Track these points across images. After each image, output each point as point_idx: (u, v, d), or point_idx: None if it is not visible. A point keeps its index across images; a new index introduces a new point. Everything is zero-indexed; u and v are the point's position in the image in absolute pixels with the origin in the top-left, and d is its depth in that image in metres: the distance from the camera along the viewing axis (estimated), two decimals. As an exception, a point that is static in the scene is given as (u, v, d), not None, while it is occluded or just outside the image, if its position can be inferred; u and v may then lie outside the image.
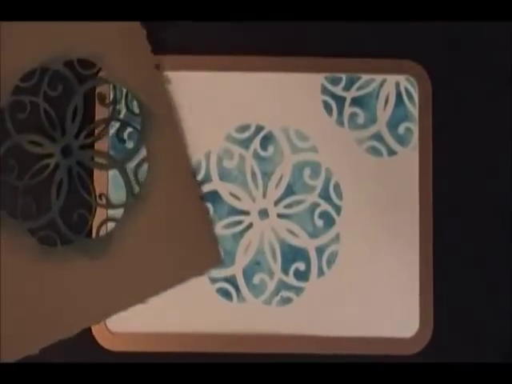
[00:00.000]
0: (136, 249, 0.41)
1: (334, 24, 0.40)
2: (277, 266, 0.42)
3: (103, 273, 0.40)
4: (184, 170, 0.41)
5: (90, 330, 0.41)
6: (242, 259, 0.42)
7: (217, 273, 0.42)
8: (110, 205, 0.41)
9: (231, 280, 0.42)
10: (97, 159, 0.41)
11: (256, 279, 0.42)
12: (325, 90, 0.42)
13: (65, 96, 0.41)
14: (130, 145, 0.41)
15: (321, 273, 0.42)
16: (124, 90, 0.41)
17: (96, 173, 0.41)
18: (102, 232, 0.41)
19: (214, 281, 0.42)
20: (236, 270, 0.42)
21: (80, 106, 0.41)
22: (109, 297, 0.40)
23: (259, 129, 0.42)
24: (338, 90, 0.42)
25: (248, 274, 0.42)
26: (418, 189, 0.42)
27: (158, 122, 0.41)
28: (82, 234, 0.41)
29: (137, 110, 0.41)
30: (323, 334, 0.41)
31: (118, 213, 0.41)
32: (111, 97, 0.41)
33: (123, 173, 0.41)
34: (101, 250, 0.40)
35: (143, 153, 0.41)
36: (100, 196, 0.41)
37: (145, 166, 0.41)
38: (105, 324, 0.41)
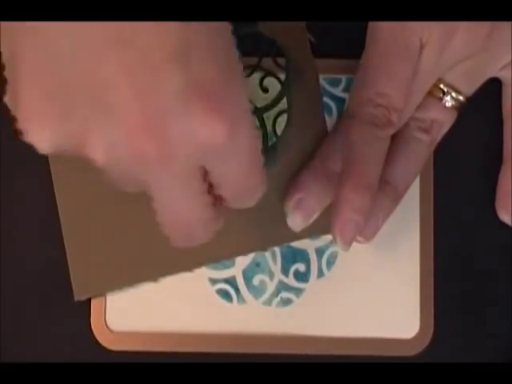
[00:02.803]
0: (265, 198, 0.41)
1: (333, 24, 0.40)
2: (277, 267, 0.42)
3: (228, 216, 0.41)
4: (320, 127, 0.41)
5: (89, 328, 0.41)
6: (242, 260, 0.42)
7: (216, 274, 0.42)
8: None
9: (231, 281, 0.42)
10: None
11: (256, 280, 0.42)
12: (324, 91, 0.42)
13: None
14: (271, 95, 0.41)
15: (321, 274, 0.42)
16: (275, 45, 0.41)
17: None
18: None
19: (213, 282, 0.42)
20: (236, 271, 0.42)
21: None
22: (228, 240, 0.41)
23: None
24: (337, 91, 0.42)
25: (248, 275, 0.42)
26: (418, 189, 0.42)
27: (302, 78, 0.41)
28: None
29: (283, 64, 0.41)
30: (323, 335, 0.41)
31: None
32: (262, 48, 0.41)
33: (261, 121, 0.41)
34: None
35: (283, 105, 0.41)
36: None
37: (283, 118, 0.41)
38: (105, 323, 0.41)
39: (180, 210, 0.30)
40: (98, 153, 0.28)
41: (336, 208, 0.37)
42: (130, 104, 0.27)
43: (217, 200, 0.31)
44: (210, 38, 0.28)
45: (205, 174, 0.30)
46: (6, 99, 0.29)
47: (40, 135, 0.28)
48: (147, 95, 0.27)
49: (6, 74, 0.29)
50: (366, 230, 0.39)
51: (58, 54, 0.27)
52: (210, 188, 0.30)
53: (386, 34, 0.38)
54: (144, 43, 0.27)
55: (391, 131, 0.38)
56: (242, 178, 0.31)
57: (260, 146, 0.30)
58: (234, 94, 0.28)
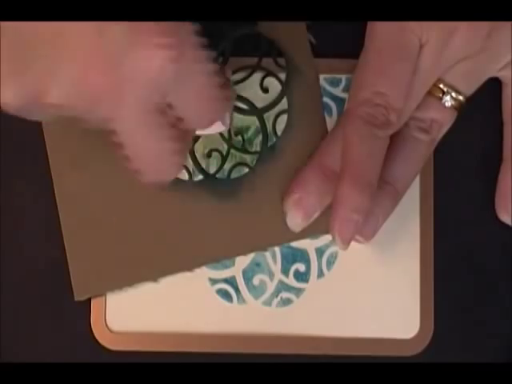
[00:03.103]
0: (264, 198, 0.41)
1: (333, 24, 0.40)
2: (277, 267, 0.42)
3: (228, 215, 0.41)
4: (320, 127, 0.41)
5: (89, 328, 0.41)
6: (242, 260, 0.42)
7: (216, 274, 0.42)
8: (244, 150, 0.41)
9: (231, 281, 0.42)
10: (238, 103, 0.41)
11: (256, 280, 0.42)
12: (324, 91, 0.42)
13: (215, 38, 0.41)
14: (271, 95, 0.41)
15: (321, 274, 0.42)
16: (275, 45, 0.41)
17: (235, 117, 0.41)
18: (234, 175, 0.41)
19: (213, 282, 0.42)
20: (236, 271, 0.42)
21: (228, 50, 0.41)
22: (228, 240, 0.41)
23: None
24: (337, 91, 0.42)
25: (248, 275, 0.42)
26: (418, 189, 0.42)
27: (302, 78, 0.41)
28: (213, 174, 0.41)
29: (283, 64, 0.41)
30: (323, 335, 0.41)
31: (250, 159, 0.41)
32: (262, 48, 0.41)
33: (261, 121, 0.41)
34: (230, 192, 0.41)
35: (283, 105, 0.41)
36: (236, 140, 0.41)
37: (283, 118, 0.41)
38: (105, 323, 0.41)
39: (143, 144, 0.32)
40: (56, 97, 0.30)
41: (335, 207, 0.37)
42: (81, 47, 0.29)
43: (183, 132, 0.33)
44: None
45: (166, 107, 0.31)
46: None
47: (5, 93, 0.30)
48: (97, 37, 0.29)
49: None
50: (366, 229, 0.39)
51: None
52: (176, 121, 0.32)
53: (385, 34, 0.38)
54: None
55: (390, 131, 0.38)
56: (201, 99, 0.32)
57: (211, 67, 0.32)
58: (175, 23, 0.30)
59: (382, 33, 0.38)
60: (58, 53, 0.29)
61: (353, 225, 0.37)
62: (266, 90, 0.41)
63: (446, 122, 0.40)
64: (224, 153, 0.41)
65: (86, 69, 0.29)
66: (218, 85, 0.32)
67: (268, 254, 0.42)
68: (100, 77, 0.29)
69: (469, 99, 0.40)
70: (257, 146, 0.41)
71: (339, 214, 0.37)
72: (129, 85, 0.30)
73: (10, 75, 0.30)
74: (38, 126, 0.41)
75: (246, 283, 0.42)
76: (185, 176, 0.41)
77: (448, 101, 0.39)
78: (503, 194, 0.41)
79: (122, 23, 0.29)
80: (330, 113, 0.42)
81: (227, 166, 0.41)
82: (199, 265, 0.41)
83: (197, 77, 0.31)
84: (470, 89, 0.40)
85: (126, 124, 0.31)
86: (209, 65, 0.32)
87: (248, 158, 0.41)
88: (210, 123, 0.34)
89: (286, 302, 0.42)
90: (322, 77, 0.42)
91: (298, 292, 0.42)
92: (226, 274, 0.42)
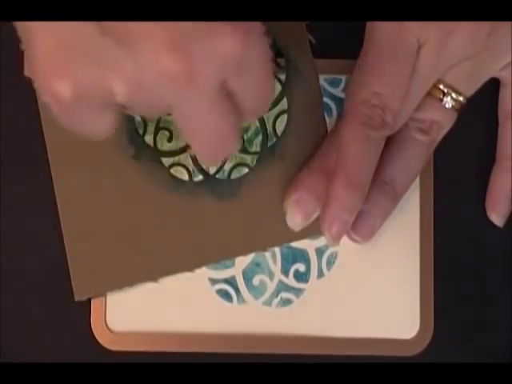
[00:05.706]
0: (264, 198, 0.41)
1: (333, 24, 0.40)
2: (277, 267, 0.42)
3: (228, 216, 0.41)
4: (320, 127, 0.41)
5: (89, 328, 0.41)
6: (242, 260, 0.42)
7: (216, 274, 0.42)
8: (244, 150, 0.41)
9: (231, 281, 0.42)
10: None
11: (256, 280, 0.42)
12: (324, 92, 0.42)
13: None
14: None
15: (321, 274, 0.42)
16: (275, 45, 0.41)
17: None
18: (234, 175, 0.41)
19: (213, 282, 0.42)
20: (236, 271, 0.42)
21: None
22: (228, 240, 0.41)
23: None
24: (337, 91, 0.42)
25: (248, 275, 0.42)
26: (418, 191, 0.42)
27: (301, 78, 0.41)
28: (213, 174, 0.41)
29: (283, 64, 0.41)
30: (323, 335, 0.41)
31: (250, 159, 0.41)
32: None
33: (261, 121, 0.41)
34: (230, 192, 0.41)
35: (283, 105, 0.41)
36: None
37: (283, 118, 0.41)
38: (105, 323, 0.41)
39: (208, 128, 0.31)
40: (123, 85, 0.29)
41: (326, 204, 0.38)
42: (154, 31, 0.28)
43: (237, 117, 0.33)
44: None
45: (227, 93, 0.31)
46: (25, 70, 0.30)
47: (61, 83, 0.29)
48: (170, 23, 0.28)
49: (23, 43, 0.30)
50: (363, 229, 0.40)
51: None
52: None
53: (383, 34, 0.38)
54: None
55: (386, 132, 0.38)
56: (260, 85, 0.32)
57: (270, 53, 0.31)
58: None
59: (380, 33, 0.38)
60: (121, 43, 0.28)
61: (342, 223, 0.38)
62: None
63: (446, 123, 0.40)
64: None
65: (157, 53, 0.28)
66: (272, 72, 0.32)
67: (268, 254, 0.42)
68: (173, 59, 0.28)
69: (469, 100, 0.40)
70: (257, 146, 0.41)
71: (329, 212, 0.38)
72: (201, 66, 0.29)
73: (67, 64, 0.29)
74: (38, 125, 0.41)
75: (246, 283, 0.42)
76: (185, 176, 0.41)
77: (448, 102, 0.39)
78: (494, 195, 0.42)
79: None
80: (330, 113, 0.42)
81: (227, 166, 0.41)
82: (199, 265, 0.41)
83: (260, 57, 0.31)
84: (471, 89, 0.40)
85: (191, 108, 0.30)
86: (270, 51, 0.31)
87: (248, 158, 0.41)
88: (266, 107, 0.34)
89: (286, 302, 0.42)
90: (321, 77, 0.42)
91: (298, 292, 0.42)
92: (226, 274, 0.42)
